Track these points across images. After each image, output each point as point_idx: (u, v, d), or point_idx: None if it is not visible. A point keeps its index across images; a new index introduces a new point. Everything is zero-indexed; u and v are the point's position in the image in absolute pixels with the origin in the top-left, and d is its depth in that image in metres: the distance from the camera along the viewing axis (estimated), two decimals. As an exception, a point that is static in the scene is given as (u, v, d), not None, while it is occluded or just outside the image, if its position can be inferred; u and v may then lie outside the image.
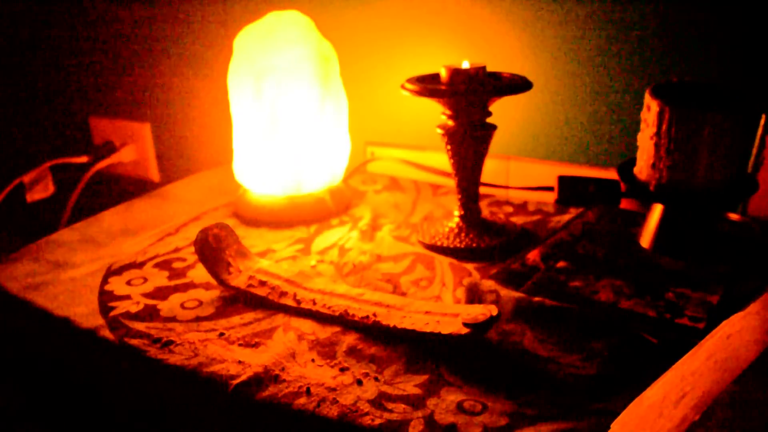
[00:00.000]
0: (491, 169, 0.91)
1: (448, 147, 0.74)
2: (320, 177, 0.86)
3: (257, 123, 0.84)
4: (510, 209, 0.86)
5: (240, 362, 0.56)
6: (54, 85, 1.35)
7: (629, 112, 0.86)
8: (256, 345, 0.59)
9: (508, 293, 0.63)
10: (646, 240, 0.71)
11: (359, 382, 0.53)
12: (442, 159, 0.84)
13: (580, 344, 0.56)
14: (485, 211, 0.82)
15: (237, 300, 0.66)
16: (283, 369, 0.55)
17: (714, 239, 0.70)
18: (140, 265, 0.74)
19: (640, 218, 0.74)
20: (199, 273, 0.71)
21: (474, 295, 0.64)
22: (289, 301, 0.64)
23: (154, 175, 1.28)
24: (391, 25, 0.98)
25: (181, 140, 1.24)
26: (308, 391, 0.52)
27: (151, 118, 1.26)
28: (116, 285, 0.70)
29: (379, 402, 0.51)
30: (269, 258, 0.75)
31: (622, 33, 0.84)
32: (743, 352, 0.54)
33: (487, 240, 0.75)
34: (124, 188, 1.30)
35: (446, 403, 0.51)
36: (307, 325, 0.62)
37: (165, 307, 0.65)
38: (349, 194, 0.91)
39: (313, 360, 0.57)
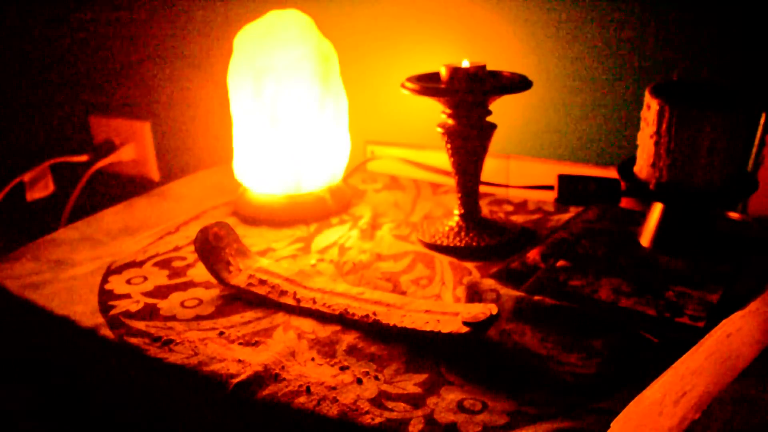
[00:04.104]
0: (491, 167, 0.91)
1: (448, 146, 0.74)
2: (320, 176, 0.86)
3: (257, 122, 0.84)
4: (510, 208, 0.86)
5: (240, 361, 0.56)
6: (54, 84, 1.34)
7: (629, 111, 0.86)
8: (256, 344, 0.59)
9: (508, 292, 0.63)
10: (646, 239, 0.71)
11: (359, 381, 0.53)
12: (442, 158, 0.84)
13: (580, 343, 0.56)
14: (485, 210, 0.82)
15: (237, 299, 0.66)
16: (283, 368, 0.55)
17: (714, 238, 0.70)
18: (140, 264, 0.74)
19: (640, 217, 0.74)
20: (199, 272, 0.71)
21: (474, 294, 0.64)
22: (289, 300, 0.64)
23: (154, 173, 1.28)
24: (391, 25, 0.98)
25: (181, 139, 1.23)
26: (308, 390, 0.52)
27: (151, 116, 1.25)
28: (116, 284, 0.70)
29: (379, 401, 0.51)
30: (269, 257, 0.75)
31: (622, 32, 0.84)
32: (743, 351, 0.54)
33: (486, 239, 0.75)
34: (124, 187, 1.30)
35: (446, 401, 0.51)
36: (307, 324, 0.62)
37: (165, 305, 0.65)
38: (349, 193, 0.91)
39: (313, 359, 0.57)
